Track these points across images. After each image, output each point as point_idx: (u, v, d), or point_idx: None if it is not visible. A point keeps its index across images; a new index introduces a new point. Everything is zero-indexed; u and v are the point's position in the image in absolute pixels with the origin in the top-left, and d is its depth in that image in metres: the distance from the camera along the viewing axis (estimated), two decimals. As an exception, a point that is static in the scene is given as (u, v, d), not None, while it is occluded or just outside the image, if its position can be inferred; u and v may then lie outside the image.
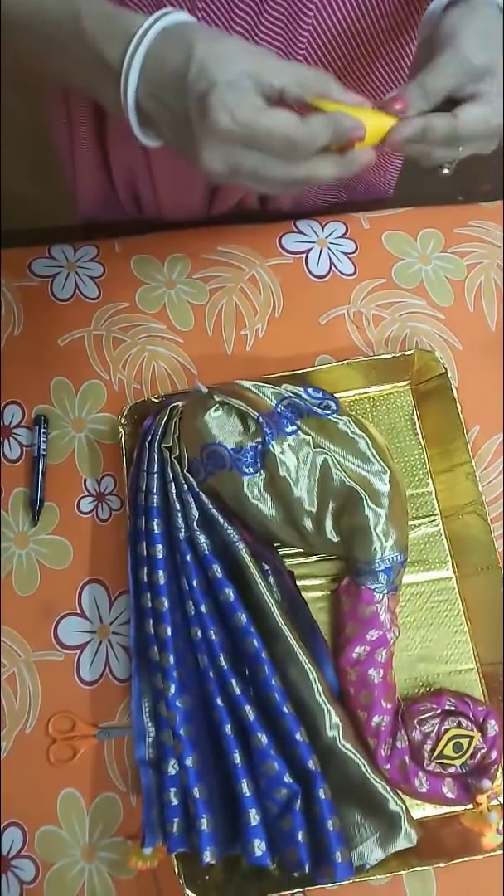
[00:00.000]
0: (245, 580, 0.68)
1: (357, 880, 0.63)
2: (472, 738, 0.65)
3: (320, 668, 0.68)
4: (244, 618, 0.67)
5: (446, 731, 0.65)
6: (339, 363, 0.78)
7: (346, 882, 0.63)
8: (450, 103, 0.44)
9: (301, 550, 0.75)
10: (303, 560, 0.75)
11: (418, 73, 0.43)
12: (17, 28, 0.45)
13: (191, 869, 0.64)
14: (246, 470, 0.68)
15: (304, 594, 0.73)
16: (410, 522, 0.76)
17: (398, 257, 0.86)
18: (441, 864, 0.64)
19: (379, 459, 0.71)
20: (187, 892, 0.63)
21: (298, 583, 0.73)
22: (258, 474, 0.69)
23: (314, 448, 0.70)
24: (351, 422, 0.72)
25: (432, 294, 0.85)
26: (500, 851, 0.63)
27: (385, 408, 0.80)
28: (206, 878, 0.66)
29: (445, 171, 0.46)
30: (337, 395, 0.77)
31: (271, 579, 0.71)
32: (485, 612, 0.72)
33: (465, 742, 0.65)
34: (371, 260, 0.86)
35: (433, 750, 0.65)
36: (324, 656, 0.70)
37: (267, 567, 0.71)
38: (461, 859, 0.63)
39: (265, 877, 0.65)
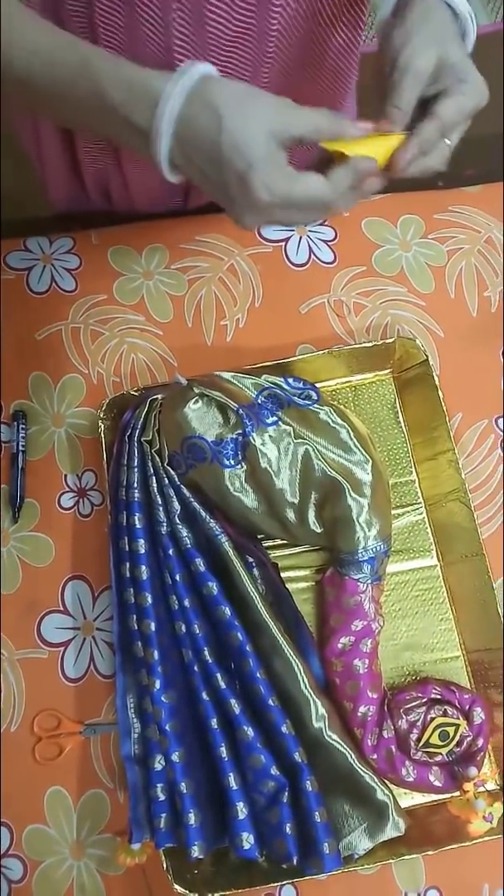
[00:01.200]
0: (228, 573, 0.68)
1: (346, 870, 0.63)
2: (458, 726, 0.64)
3: (306, 659, 0.68)
4: (228, 611, 0.66)
5: (432, 719, 0.65)
6: (321, 352, 0.77)
7: (335, 872, 0.63)
8: (420, 105, 0.47)
9: (285, 542, 0.74)
10: (287, 552, 0.75)
11: (389, 94, 0.46)
12: (33, 92, 0.47)
13: (179, 864, 0.64)
14: (227, 462, 0.68)
15: (288, 586, 0.72)
16: (394, 511, 0.76)
17: (378, 244, 0.85)
18: (430, 852, 0.64)
19: (361, 449, 0.70)
20: (176, 887, 0.63)
21: (283, 575, 0.73)
22: (239, 466, 0.68)
23: (295, 439, 0.69)
24: (332, 412, 0.71)
25: (413, 281, 0.84)
26: (488, 838, 0.64)
27: (367, 396, 0.80)
28: (195, 872, 0.65)
29: (441, 170, 0.49)
30: (318, 385, 0.77)
31: (255, 572, 0.71)
32: (470, 600, 0.72)
33: (451, 730, 0.65)
34: (351, 247, 0.85)
35: (419, 739, 0.65)
36: (309, 648, 0.70)
37: (251, 559, 0.71)
38: (449, 847, 0.64)
39: (254, 869, 0.65)
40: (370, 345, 0.77)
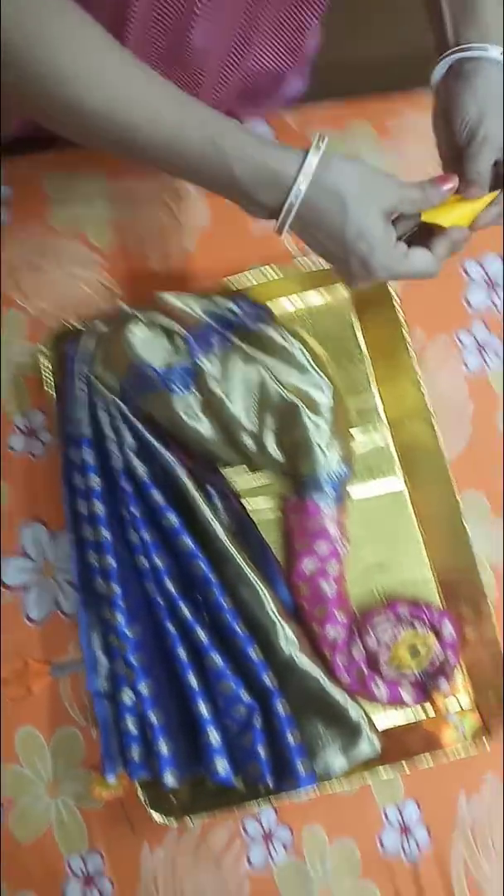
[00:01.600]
0: (188, 505, 0.66)
1: (325, 791, 0.64)
2: (427, 641, 0.64)
3: (273, 586, 0.67)
4: (190, 542, 0.65)
5: (402, 637, 0.64)
6: (271, 272, 0.73)
7: (315, 794, 0.63)
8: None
9: (249, 473, 0.72)
10: (252, 483, 0.73)
11: (470, 163, 0.50)
12: (141, 151, 0.48)
13: (156, 793, 0.64)
14: (177, 390, 0.65)
15: (254, 516, 0.71)
16: (357, 434, 0.74)
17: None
18: (406, 769, 0.64)
19: (317, 370, 0.68)
20: (154, 814, 0.63)
21: (248, 505, 0.71)
22: (190, 394, 0.66)
23: (247, 363, 0.66)
24: (285, 332, 0.68)
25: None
26: (465, 753, 0.64)
27: (324, 317, 0.77)
28: (173, 799, 0.66)
29: None
30: (273, 308, 0.74)
31: (217, 502, 0.69)
32: (439, 521, 0.71)
33: (421, 646, 0.64)
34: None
35: (390, 656, 0.64)
36: (276, 575, 0.69)
37: (212, 490, 0.69)
38: (426, 762, 0.64)
39: (232, 793, 0.65)
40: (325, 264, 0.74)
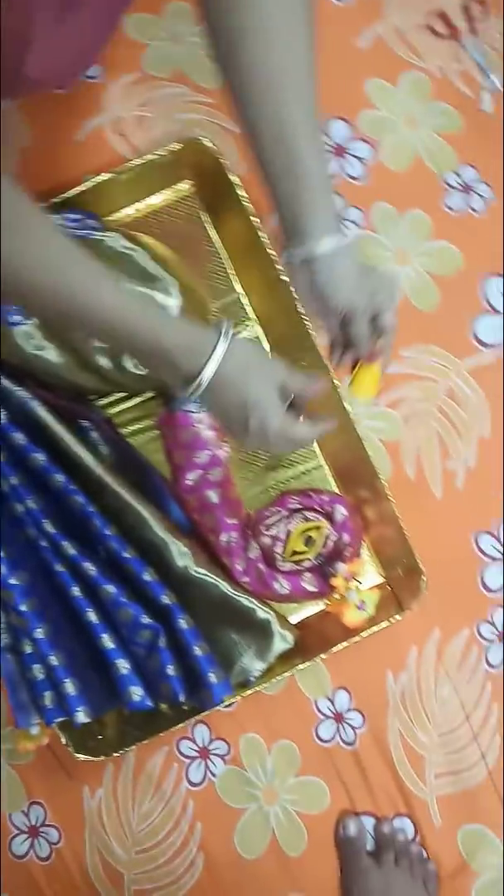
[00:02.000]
0: (54, 441, 0.62)
1: (249, 694, 0.63)
2: (320, 527, 0.62)
3: (164, 506, 0.65)
4: (61, 478, 0.62)
5: (294, 529, 0.62)
6: (103, 177, 0.68)
7: (237, 699, 0.63)
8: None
9: (121, 398, 0.69)
10: (124, 406, 0.69)
11: (351, 337, 0.57)
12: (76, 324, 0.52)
13: (81, 734, 0.63)
14: (11, 319, 0.60)
15: (135, 439, 0.68)
16: (227, 333, 0.70)
17: (144, 43, 0.75)
18: (322, 656, 0.63)
19: (160, 271, 0.63)
20: (77, 756, 0.62)
21: (126, 429, 0.68)
22: (28, 321, 0.61)
23: (83, 276, 0.62)
24: (119, 237, 0.63)
25: (193, 76, 0.74)
26: (376, 627, 0.63)
27: (170, 216, 0.72)
28: (99, 737, 0.65)
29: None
30: (114, 216, 0.69)
31: (93, 434, 0.66)
32: (320, 407, 0.68)
33: (314, 533, 0.63)
34: (116, 55, 0.74)
35: (285, 549, 0.62)
36: (164, 494, 0.66)
37: (86, 424, 0.65)
38: (340, 645, 0.63)
39: (159, 718, 0.64)
40: (155, 157, 0.69)
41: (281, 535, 0.63)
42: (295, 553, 0.62)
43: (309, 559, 0.63)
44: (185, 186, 0.72)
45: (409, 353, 0.71)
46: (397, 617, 0.63)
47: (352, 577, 0.62)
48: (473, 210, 0.73)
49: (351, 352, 0.57)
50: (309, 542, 0.62)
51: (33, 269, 0.47)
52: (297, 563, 0.63)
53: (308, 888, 0.66)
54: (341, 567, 0.62)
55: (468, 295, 0.72)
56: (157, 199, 0.72)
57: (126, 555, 0.62)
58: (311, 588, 0.63)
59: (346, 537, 0.63)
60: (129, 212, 0.72)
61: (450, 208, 0.73)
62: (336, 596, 0.62)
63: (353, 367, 0.57)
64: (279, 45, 0.51)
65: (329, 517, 0.63)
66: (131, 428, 0.69)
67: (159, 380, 0.64)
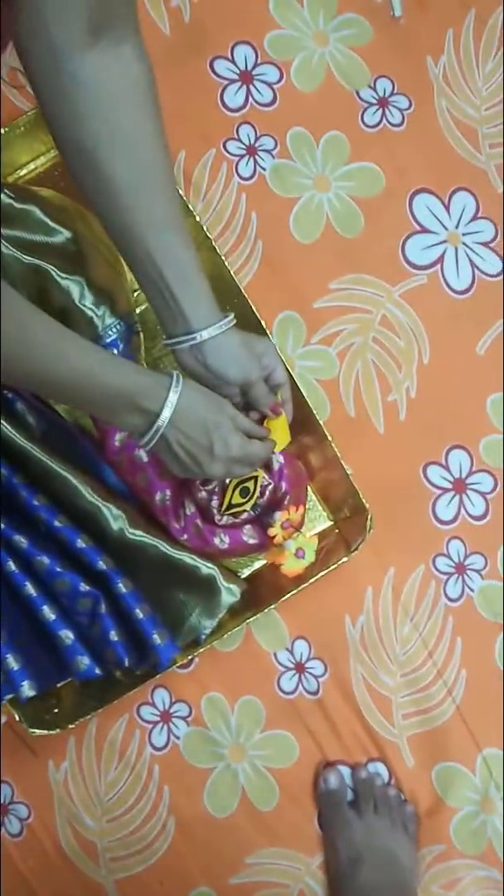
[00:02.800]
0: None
1: (203, 651, 0.61)
2: (255, 478, 0.60)
3: (98, 472, 0.63)
4: (-22, 452, 0.60)
5: (228, 482, 0.60)
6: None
7: (196, 660, 0.62)
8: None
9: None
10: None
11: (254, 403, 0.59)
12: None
13: (35, 709, 0.62)
14: None
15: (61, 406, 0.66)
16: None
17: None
18: (273, 605, 0.61)
19: (59, 224, 0.60)
20: (32, 731, 0.60)
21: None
22: None
23: (-25, 238, 0.59)
24: (12, 192, 0.60)
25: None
26: (324, 572, 0.61)
27: (75, 168, 0.68)
28: (55, 711, 0.63)
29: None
30: (23, 174, 0.67)
31: (19, 405, 0.63)
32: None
33: (250, 484, 0.60)
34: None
35: (221, 503, 0.60)
36: (96, 459, 0.64)
37: (9, 394, 0.63)
38: (288, 594, 0.61)
39: (115, 686, 0.62)
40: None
41: (217, 489, 0.60)
42: (232, 506, 0.60)
43: (246, 511, 0.60)
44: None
45: (339, 285, 0.68)
46: (344, 559, 0.61)
47: (290, 525, 0.59)
48: (392, 125, 0.69)
49: (254, 412, 0.60)
50: (245, 493, 0.60)
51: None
52: (234, 515, 0.60)
53: (283, 841, 0.65)
54: (277, 515, 0.59)
55: (395, 216, 0.68)
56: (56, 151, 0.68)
57: (57, 524, 0.59)
58: (251, 541, 0.61)
59: (283, 486, 0.60)
60: (31, 167, 0.68)
61: (367, 125, 0.69)
62: (274, 546, 0.60)
63: (261, 423, 0.60)
64: (123, 154, 0.51)
65: (266, 466, 0.61)
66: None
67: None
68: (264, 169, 0.68)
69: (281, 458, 0.61)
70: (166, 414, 0.53)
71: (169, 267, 0.53)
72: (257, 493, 0.60)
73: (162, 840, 0.65)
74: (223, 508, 0.60)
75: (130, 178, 0.51)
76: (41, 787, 0.66)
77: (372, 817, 0.65)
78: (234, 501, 0.60)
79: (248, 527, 0.61)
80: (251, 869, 0.65)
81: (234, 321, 0.56)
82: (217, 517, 0.60)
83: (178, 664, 0.62)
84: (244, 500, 0.60)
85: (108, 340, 0.61)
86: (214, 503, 0.60)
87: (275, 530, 0.59)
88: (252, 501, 0.60)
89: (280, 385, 0.60)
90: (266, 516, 0.61)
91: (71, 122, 0.51)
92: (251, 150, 0.69)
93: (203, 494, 0.60)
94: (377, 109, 0.69)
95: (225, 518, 0.61)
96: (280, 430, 0.61)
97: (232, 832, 0.65)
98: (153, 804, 0.66)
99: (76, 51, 0.48)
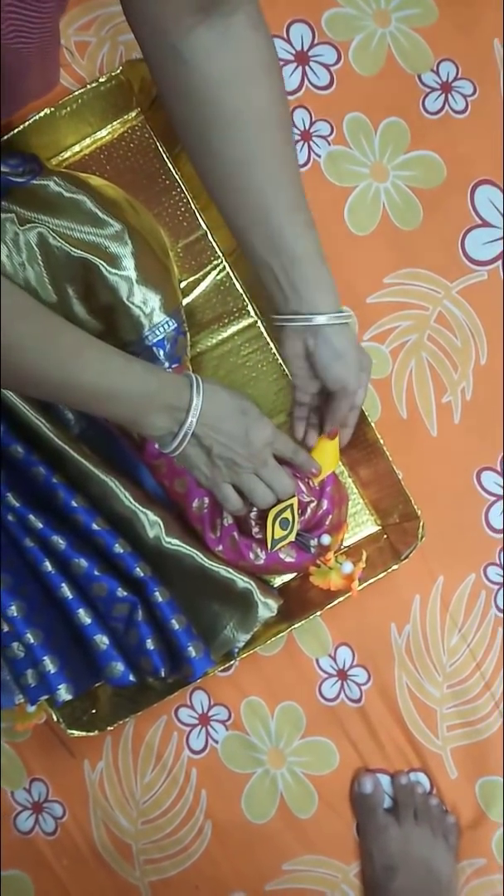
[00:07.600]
0: (11, 414, 0.58)
1: (245, 657, 0.60)
2: (291, 505, 0.57)
3: (135, 474, 0.62)
4: (20, 449, 0.58)
5: (270, 515, 0.57)
6: (44, 113, 0.62)
7: (240, 667, 0.61)
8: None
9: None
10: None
11: (331, 413, 0.57)
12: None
13: (72, 710, 0.61)
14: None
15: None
16: (193, 274, 0.65)
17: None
18: (318, 612, 0.59)
19: (110, 216, 0.58)
20: (70, 732, 0.59)
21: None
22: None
23: (22, 225, 0.56)
24: (62, 180, 0.58)
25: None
26: (371, 580, 0.59)
27: (123, 151, 0.66)
28: (93, 711, 0.62)
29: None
30: (64, 156, 0.64)
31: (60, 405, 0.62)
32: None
33: (287, 515, 0.57)
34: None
35: (264, 536, 0.57)
36: (135, 462, 0.62)
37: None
38: (334, 602, 0.59)
39: (149, 692, 0.61)
40: (97, 85, 0.62)
41: (257, 516, 0.58)
42: (276, 542, 0.57)
43: (291, 541, 0.58)
44: (134, 116, 0.66)
45: (394, 280, 0.65)
46: (394, 567, 0.59)
47: (334, 547, 0.57)
48: (455, 111, 0.65)
49: (316, 415, 0.58)
50: (285, 525, 0.57)
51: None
52: (281, 548, 0.58)
53: (321, 848, 0.64)
54: (326, 539, 0.57)
55: (455, 208, 0.65)
56: (104, 133, 0.66)
57: (95, 527, 0.58)
58: (288, 559, 0.59)
59: (325, 503, 0.58)
60: (76, 150, 0.66)
61: (429, 111, 0.65)
62: (324, 569, 0.58)
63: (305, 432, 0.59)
64: (235, 136, 0.50)
65: (307, 483, 0.58)
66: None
67: (115, 334, 0.60)
68: (319, 156, 0.66)
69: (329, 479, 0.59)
70: (196, 404, 0.52)
71: (298, 247, 0.52)
72: (297, 522, 0.58)
73: (198, 844, 0.65)
74: (270, 547, 0.58)
75: (245, 159, 0.50)
76: (76, 786, 0.66)
77: (411, 825, 0.64)
78: (276, 536, 0.58)
79: (286, 547, 0.59)
80: (287, 875, 0.65)
81: (354, 323, 0.55)
82: (255, 531, 0.58)
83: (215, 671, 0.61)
84: (286, 532, 0.57)
85: (155, 341, 0.59)
86: (253, 514, 0.58)
87: (330, 556, 0.57)
88: (293, 531, 0.58)
89: (356, 408, 0.58)
90: (309, 536, 0.58)
91: (178, 103, 0.50)
92: (305, 136, 0.66)
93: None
94: (440, 95, 0.65)
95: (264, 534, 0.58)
96: (330, 454, 0.59)
97: (269, 838, 0.64)
98: (190, 808, 0.65)
99: (182, 30, 0.47)
